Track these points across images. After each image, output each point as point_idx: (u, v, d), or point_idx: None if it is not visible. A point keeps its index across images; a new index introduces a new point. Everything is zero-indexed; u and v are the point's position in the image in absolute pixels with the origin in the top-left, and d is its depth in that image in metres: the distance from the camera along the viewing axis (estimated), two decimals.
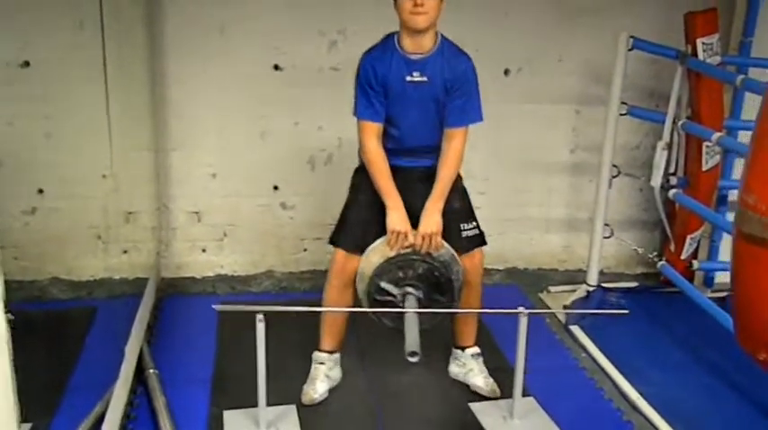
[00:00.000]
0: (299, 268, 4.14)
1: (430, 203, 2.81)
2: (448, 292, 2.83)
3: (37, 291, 3.79)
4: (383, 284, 2.77)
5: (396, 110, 2.80)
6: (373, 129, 2.79)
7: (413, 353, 2.52)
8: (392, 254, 2.79)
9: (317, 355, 3.06)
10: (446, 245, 2.84)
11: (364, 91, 2.77)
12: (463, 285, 2.92)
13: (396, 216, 2.77)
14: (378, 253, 2.82)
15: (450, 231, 2.87)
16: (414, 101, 2.78)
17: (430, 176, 2.85)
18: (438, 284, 2.80)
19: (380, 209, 2.81)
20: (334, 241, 2.95)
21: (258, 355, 2.63)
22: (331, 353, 3.05)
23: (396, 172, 2.83)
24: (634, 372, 3.26)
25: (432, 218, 2.79)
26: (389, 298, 2.78)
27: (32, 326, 3.26)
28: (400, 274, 2.78)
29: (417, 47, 2.73)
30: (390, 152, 2.83)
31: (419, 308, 2.73)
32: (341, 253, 2.90)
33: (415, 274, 2.78)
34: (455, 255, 2.87)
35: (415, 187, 2.86)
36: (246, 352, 2.69)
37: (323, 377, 3.02)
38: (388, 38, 2.79)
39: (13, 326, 2.07)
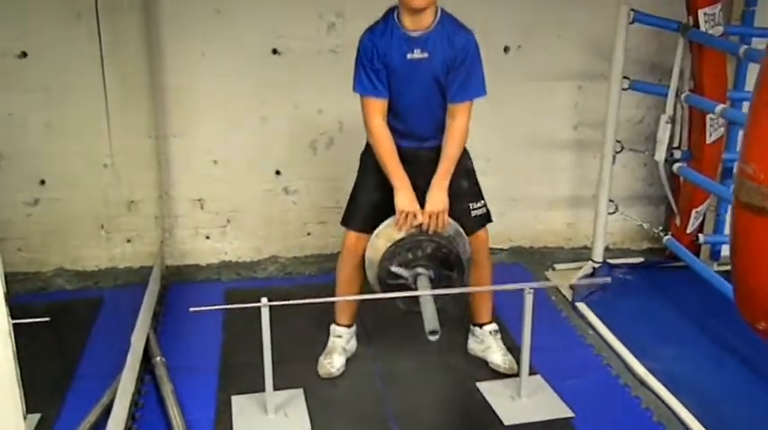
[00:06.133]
0: (303, 253, 4.13)
1: (435, 181, 2.80)
2: (457, 267, 2.83)
3: (42, 282, 3.79)
4: (393, 269, 2.77)
5: (397, 88, 2.79)
6: (377, 107, 2.78)
7: (433, 332, 2.55)
8: (397, 236, 2.78)
9: (335, 329, 3.10)
10: (451, 221, 2.84)
11: (366, 68, 2.76)
12: (472, 263, 2.93)
13: (404, 196, 2.77)
14: (383, 237, 2.82)
15: (460, 211, 2.89)
16: (415, 78, 2.78)
17: (436, 157, 2.84)
18: (447, 260, 2.80)
19: (390, 190, 2.81)
20: (345, 223, 2.98)
21: (264, 340, 2.63)
22: (348, 326, 3.10)
23: (401, 153, 2.82)
24: (641, 348, 3.26)
25: (438, 196, 2.78)
26: (401, 281, 2.78)
27: (39, 317, 3.28)
28: (409, 256, 2.78)
29: (417, 24, 2.72)
30: (394, 132, 2.82)
31: (431, 286, 2.74)
32: (352, 234, 2.93)
33: (424, 254, 2.78)
34: (459, 229, 2.87)
35: (421, 167, 2.85)
36: (253, 337, 2.69)
37: (341, 350, 3.08)
38: (389, 14, 2.79)
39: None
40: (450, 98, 2.79)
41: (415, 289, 2.74)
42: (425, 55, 2.74)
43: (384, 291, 2.82)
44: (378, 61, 2.75)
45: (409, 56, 2.75)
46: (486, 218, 3.00)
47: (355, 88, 2.82)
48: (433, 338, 2.56)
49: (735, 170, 1.92)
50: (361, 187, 2.97)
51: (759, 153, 1.80)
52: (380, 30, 2.77)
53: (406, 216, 2.76)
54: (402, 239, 2.78)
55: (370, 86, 2.77)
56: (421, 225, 2.78)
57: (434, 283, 2.77)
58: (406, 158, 2.83)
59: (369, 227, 2.88)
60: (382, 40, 2.75)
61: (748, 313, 1.99)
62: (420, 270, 2.77)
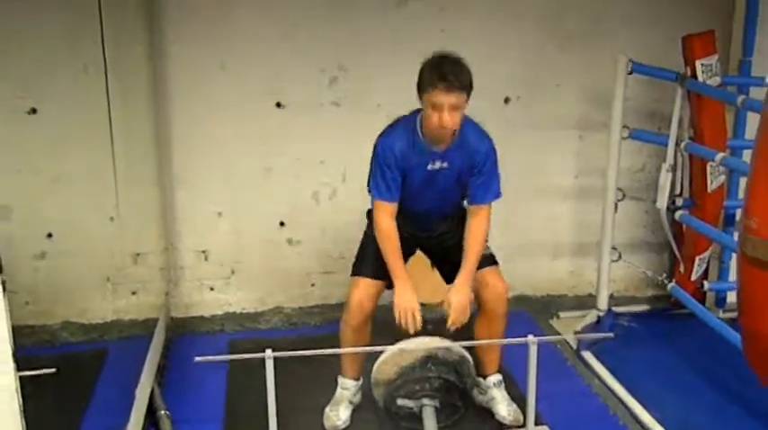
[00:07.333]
0: (307, 303, 4.13)
1: (459, 280, 2.86)
2: (463, 397, 2.90)
3: (48, 334, 3.79)
4: (400, 401, 2.83)
5: (414, 189, 2.86)
6: (388, 209, 2.84)
7: None
8: (404, 363, 2.82)
9: (343, 381, 3.10)
10: (459, 347, 2.87)
11: (383, 172, 2.80)
12: (482, 312, 2.97)
13: (404, 294, 2.80)
14: (390, 363, 2.85)
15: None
16: (433, 184, 2.87)
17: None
18: (452, 390, 2.85)
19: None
20: (355, 272, 2.98)
21: (268, 393, 2.61)
22: (356, 379, 3.09)
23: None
24: (648, 397, 3.24)
25: (462, 292, 2.83)
26: (406, 410, 2.85)
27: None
28: (416, 388, 2.83)
29: (441, 142, 2.78)
30: (402, 216, 2.89)
31: (436, 416, 2.80)
32: (360, 285, 2.91)
33: (432, 388, 2.83)
34: (465, 355, 2.90)
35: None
36: (257, 389, 2.67)
37: (347, 403, 3.07)
38: (410, 121, 2.81)
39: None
40: (470, 200, 2.88)
41: (421, 418, 2.80)
42: (446, 165, 2.82)
43: (390, 418, 2.89)
44: (396, 167, 2.79)
45: (430, 167, 2.82)
46: (492, 258, 3.01)
47: (370, 190, 2.89)
48: None
49: (740, 225, 1.90)
50: (369, 242, 2.97)
51: (762, 208, 1.80)
52: (400, 136, 2.80)
53: (406, 313, 2.78)
54: (411, 369, 2.81)
55: (385, 191, 2.82)
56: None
57: (439, 412, 2.83)
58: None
59: (380, 274, 2.89)
60: (402, 148, 2.78)
61: (757, 366, 1.97)
62: (426, 401, 2.82)
